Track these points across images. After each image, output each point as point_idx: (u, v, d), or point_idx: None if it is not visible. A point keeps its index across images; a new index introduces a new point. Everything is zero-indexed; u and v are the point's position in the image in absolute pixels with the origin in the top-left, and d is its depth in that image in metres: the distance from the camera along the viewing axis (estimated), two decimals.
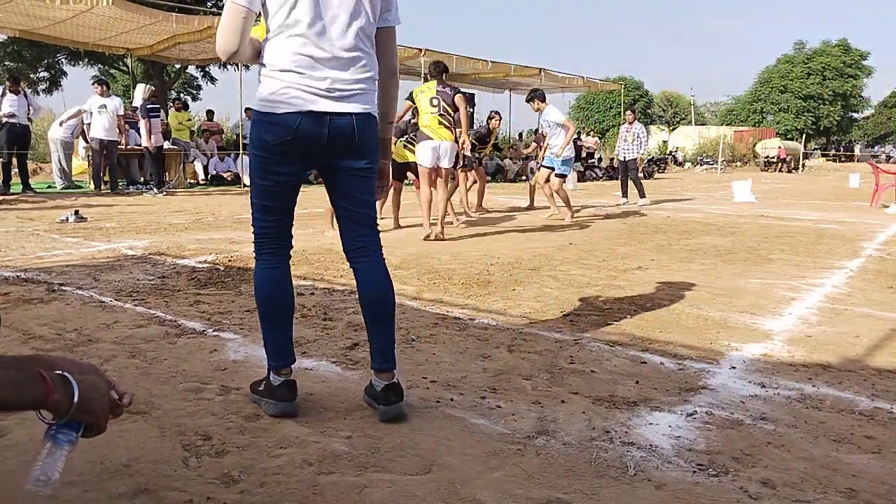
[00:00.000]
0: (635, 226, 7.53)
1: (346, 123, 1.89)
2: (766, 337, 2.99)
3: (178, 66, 18.68)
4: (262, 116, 1.89)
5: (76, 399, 1.03)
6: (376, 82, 1.99)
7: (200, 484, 1.58)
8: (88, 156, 11.30)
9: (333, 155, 1.94)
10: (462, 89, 7.08)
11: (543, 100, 7.68)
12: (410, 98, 6.03)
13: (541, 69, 17.73)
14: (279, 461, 1.71)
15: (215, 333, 2.85)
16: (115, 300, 3.40)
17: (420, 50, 14.12)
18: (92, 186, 10.94)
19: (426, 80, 6.19)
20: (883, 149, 44.96)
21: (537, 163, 9.17)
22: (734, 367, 2.56)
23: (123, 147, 11.79)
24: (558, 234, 6.63)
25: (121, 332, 2.84)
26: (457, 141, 6.06)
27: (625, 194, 10.99)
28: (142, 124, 10.81)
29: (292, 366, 2.05)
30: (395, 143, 6.93)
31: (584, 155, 20.49)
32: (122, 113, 10.62)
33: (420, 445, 1.83)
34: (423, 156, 5.92)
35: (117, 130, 10.65)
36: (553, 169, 7.80)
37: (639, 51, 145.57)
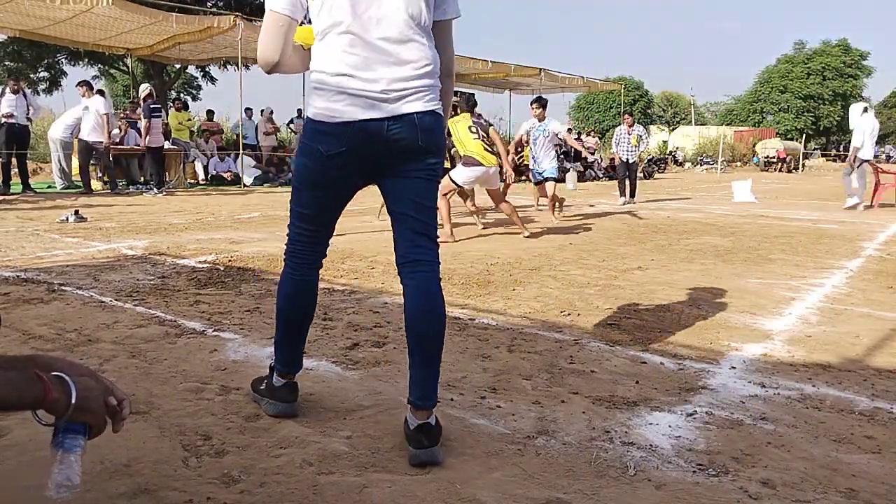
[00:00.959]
0: (635, 226, 7.53)
1: (407, 127, 1.70)
2: (766, 337, 2.99)
3: (178, 66, 18.68)
4: (315, 125, 1.73)
5: (74, 399, 1.04)
6: (438, 78, 1.78)
7: (200, 484, 1.58)
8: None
9: (394, 163, 1.76)
10: (462, 89, 7.29)
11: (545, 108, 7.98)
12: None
13: (541, 69, 17.74)
14: (279, 461, 1.71)
15: (215, 333, 2.85)
16: (115, 300, 3.40)
17: None
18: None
19: (455, 112, 6.47)
20: (883, 149, 44.95)
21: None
22: (734, 367, 2.56)
23: (124, 147, 11.78)
24: (558, 234, 6.63)
25: (121, 332, 2.84)
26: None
27: (623, 193, 11.06)
28: (142, 124, 10.81)
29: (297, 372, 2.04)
30: None
31: (583, 155, 20.48)
32: (104, 112, 10.42)
33: None
34: (463, 176, 6.10)
35: (103, 130, 10.46)
36: (557, 180, 8.10)
37: (639, 51, 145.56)
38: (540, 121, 7.84)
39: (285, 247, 1.94)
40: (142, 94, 11.33)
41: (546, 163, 7.82)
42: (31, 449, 1.72)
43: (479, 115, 6.59)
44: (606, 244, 5.93)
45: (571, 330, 3.04)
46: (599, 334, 2.97)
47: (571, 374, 2.43)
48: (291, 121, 17.06)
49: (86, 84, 10.78)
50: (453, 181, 6.12)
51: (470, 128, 6.08)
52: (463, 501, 1.54)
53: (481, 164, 5.99)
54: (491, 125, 6.51)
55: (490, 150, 6.08)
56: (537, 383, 2.33)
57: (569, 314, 3.32)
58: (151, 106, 10.72)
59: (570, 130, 24.25)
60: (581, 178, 17.37)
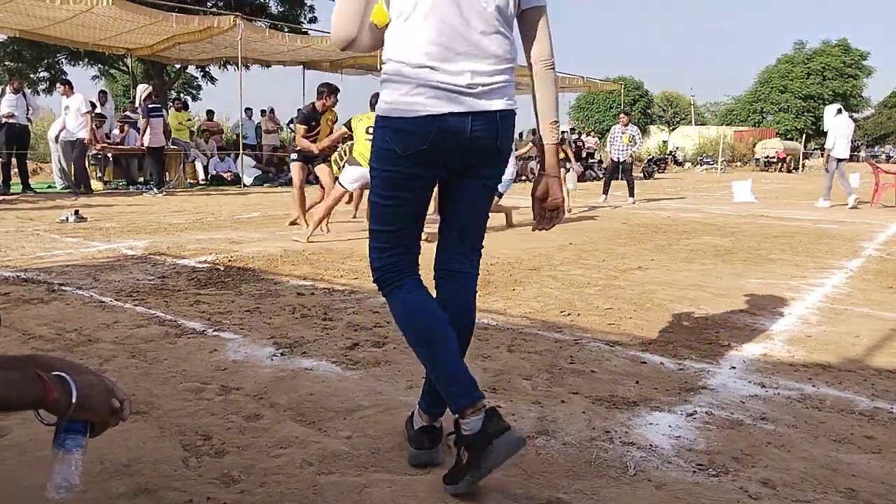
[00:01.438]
0: (635, 226, 7.53)
1: (489, 124, 1.60)
2: (766, 337, 2.99)
3: (178, 66, 18.68)
4: (389, 122, 1.58)
5: (75, 398, 1.04)
6: (514, 72, 1.68)
7: (200, 484, 1.58)
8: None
9: (472, 163, 1.64)
10: None
11: None
12: (347, 125, 6.03)
13: None
14: (279, 461, 1.71)
15: (215, 333, 2.85)
16: (115, 300, 3.40)
17: None
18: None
19: (372, 107, 6.22)
20: (883, 149, 44.95)
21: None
22: (734, 367, 2.56)
23: (125, 147, 11.76)
24: (558, 234, 6.62)
25: (121, 332, 2.84)
26: None
27: (605, 192, 11.02)
28: (141, 124, 10.79)
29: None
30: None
31: (584, 155, 20.51)
32: (85, 111, 10.32)
33: None
34: (349, 179, 5.89)
35: (84, 128, 10.32)
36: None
37: (639, 51, 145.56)
38: None
39: (373, 278, 1.73)
40: (141, 95, 11.32)
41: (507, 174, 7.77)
42: (31, 449, 1.72)
43: None
44: (606, 244, 5.93)
45: (571, 330, 3.04)
46: (599, 334, 2.97)
47: (571, 374, 2.43)
48: (291, 121, 17.06)
49: (66, 83, 10.71)
50: (343, 185, 5.93)
51: (368, 129, 5.76)
52: (463, 501, 1.54)
53: (360, 165, 5.74)
54: None
55: None
56: (537, 383, 2.33)
57: (569, 314, 3.32)
58: (151, 106, 10.71)
59: (572, 130, 24.31)
60: (581, 178, 17.38)
